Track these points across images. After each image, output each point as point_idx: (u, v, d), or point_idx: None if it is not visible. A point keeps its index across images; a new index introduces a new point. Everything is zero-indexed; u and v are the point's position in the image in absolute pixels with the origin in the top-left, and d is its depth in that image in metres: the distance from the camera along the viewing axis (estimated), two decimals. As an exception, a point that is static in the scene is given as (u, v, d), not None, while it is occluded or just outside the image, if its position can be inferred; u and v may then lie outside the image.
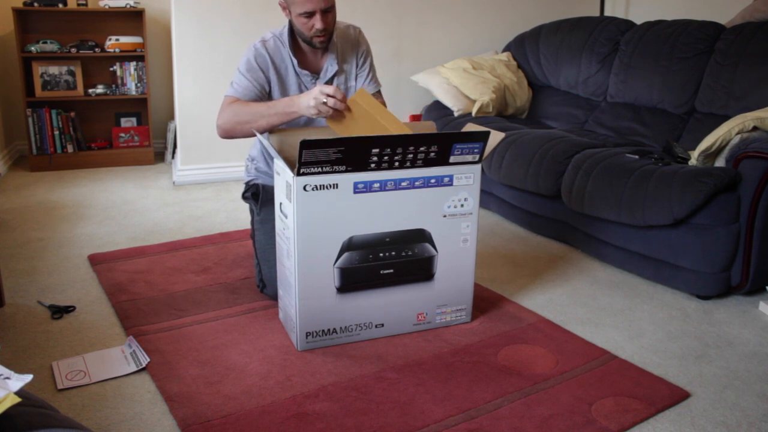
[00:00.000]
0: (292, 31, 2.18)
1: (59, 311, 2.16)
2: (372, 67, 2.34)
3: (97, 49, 3.97)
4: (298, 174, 1.78)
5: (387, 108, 2.33)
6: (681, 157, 2.69)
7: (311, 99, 1.94)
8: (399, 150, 1.84)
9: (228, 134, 2.12)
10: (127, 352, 1.93)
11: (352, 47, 2.28)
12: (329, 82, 2.23)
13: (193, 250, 2.73)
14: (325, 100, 1.92)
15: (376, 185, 1.88)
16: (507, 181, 3.04)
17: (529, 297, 2.39)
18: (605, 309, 2.31)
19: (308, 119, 2.15)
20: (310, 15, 2.05)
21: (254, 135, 2.08)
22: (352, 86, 2.29)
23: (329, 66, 2.21)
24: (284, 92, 2.19)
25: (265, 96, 2.17)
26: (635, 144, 3.13)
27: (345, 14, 2.73)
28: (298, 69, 2.18)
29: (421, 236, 1.98)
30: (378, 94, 2.34)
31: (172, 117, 4.29)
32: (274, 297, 2.20)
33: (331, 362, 1.89)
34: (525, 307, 2.28)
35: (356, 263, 1.92)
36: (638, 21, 3.62)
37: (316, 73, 2.22)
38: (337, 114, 1.97)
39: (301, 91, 2.20)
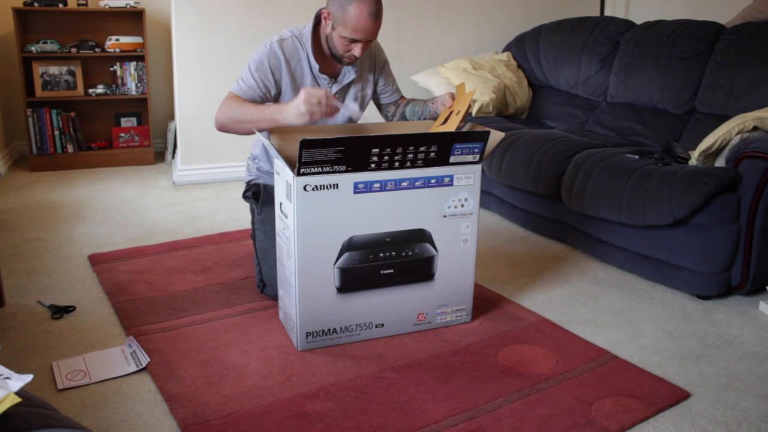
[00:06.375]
0: (315, 35, 2.16)
1: (59, 311, 2.16)
2: (394, 78, 2.39)
3: (97, 49, 3.97)
4: (298, 174, 1.78)
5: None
6: (681, 157, 2.69)
7: (301, 106, 1.91)
8: (399, 150, 1.83)
9: (222, 128, 2.12)
10: (127, 352, 1.93)
11: (369, 57, 2.29)
12: (346, 88, 2.24)
13: (193, 250, 2.73)
14: (315, 102, 1.90)
15: (377, 185, 1.88)
16: (507, 181, 3.04)
17: (529, 297, 2.38)
18: (605, 309, 2.31)
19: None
20: (354, 41, 2.04)
21: (247, 134, 2.08)
22: (367, 94, 2.31)
23: (347, 72, 2.21)
24: (298, 93, 2.19)
25: (269, 98, 2.16)
26: (635, 144, 3.13)
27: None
28: (317, 73, 2.17)
29: (421, 236, 1.98)
30: (403, 99, 2.41)
31: (172, 117, 4.29)
32: (274, 297, 2.20)
33: (331, 362, 1.89)
34: (525, 307, 2.28)
35: (356, 263, 1.92)
36: (638, 21, 3.62)
37: (333, 77, 2.22)
38: None
39: None
